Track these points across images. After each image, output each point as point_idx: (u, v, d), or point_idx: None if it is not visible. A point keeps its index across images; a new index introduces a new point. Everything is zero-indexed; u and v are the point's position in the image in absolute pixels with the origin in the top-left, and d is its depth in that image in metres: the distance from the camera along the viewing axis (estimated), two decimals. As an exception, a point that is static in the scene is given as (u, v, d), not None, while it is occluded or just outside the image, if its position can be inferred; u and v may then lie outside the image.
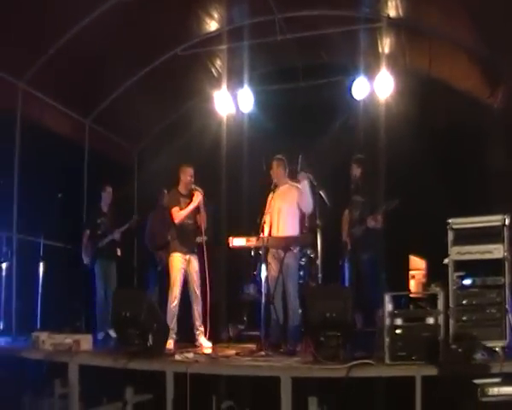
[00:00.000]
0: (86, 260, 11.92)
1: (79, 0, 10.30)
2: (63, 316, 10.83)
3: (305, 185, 10.00)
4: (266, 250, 9.78)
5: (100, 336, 11.27)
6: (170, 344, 9.48)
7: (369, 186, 10.49)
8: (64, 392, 8.42)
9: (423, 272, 9.60)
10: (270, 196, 10.07)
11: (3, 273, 10.91)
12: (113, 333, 10.94)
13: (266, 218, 9.93)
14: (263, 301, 9.66)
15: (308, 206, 10.02)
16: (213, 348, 9.84)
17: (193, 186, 10.34)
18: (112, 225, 12.06)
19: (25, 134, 11.55)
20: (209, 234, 10.95)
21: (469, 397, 6.48)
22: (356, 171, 10.54)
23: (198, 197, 10.29)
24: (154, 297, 10.11)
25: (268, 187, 10.22)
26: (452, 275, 7.65)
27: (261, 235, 9.67)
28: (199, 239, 10.48)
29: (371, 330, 9.61)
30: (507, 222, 7.54)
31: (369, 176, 10.61)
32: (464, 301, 7.54)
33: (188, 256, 10.23)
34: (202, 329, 10.14)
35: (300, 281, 10.47)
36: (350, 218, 10.58)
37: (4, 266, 10.94)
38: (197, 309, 10.16)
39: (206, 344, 10.01)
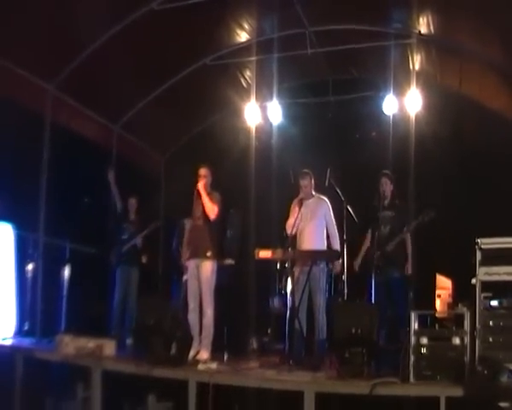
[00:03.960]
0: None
1: (111, 7, 10.33)
2: (88, 319, 10.86)
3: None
4: (293, 263, 9.75)
5: (129, 340, 11.18)
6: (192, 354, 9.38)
7: (399, 202, 10.42)
8: (86, 396, 8.45)
9: (449, 292, 9.57)
10: (296, 207, 10.00)
11: (29, 275, 10.97)
12: (129, 340, 10.95)
13: (293, 230, 9.84)
14: (288, 314, 9.65)
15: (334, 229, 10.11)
16: (237, 360, 9.73)
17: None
18: (137, 231, 12.05)
19: (53, 138, 11.61)
20: (236, 246, 10.94)
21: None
22: (385, 186, 10.42)
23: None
24: (178, 306, 10.00)
25: (294, 198, 10.17)
26: (479, 296, 7.56)
27: (288, 248, 9.58)
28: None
29: (394, 348, 9.61)
30: (536, 243, 7.48)
31: (399, 191, 10.52)
32: (491, 323, 7.44)
33: (198, 262, 9.79)
34: (205, 342, 9.52)
35: (326, 296, 10.40)
36: (378, 235, 10.40)
37: (30, 267, 10.98)
38: (203, 320, 9.66)
39: (203, 357, 9.40)
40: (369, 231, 10.60)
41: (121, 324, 11.48)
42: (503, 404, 6.42)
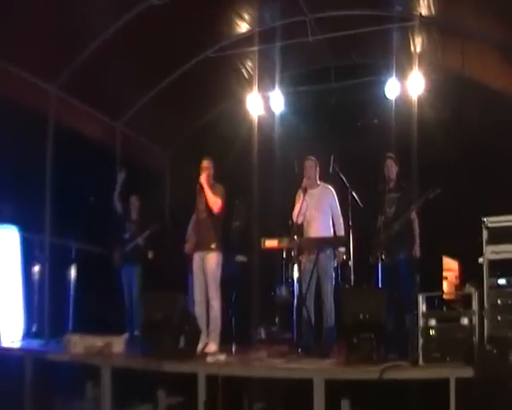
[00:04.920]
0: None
1: (111, 4, 10.36)
2: (95, 319, 10.85)
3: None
4: (299, 252, 9.70)
5: (136, 337, 11.16)
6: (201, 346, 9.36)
7: (404, 183, 10.35)
8: (96, 395, 8.44)
9: (456, 274, 9.52)
10: (300, 196, 9.93)
11: (36, 277, 10.97)
12: (136, 337, 10.92)
13: (299, 219, 9.79)
14: (295, 302, 9.62)
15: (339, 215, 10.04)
16: (245, 351, 9.70)
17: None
18: (139, 230, 12.03)
19: (57, 137, 11.68)
20: (242, 237, 10.92)
21: (505, 399, 6.39)
22: (390, 168, 10.34)
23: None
24: (186, 299, 9.96)
25: (299, 188, 10.10)
26: (487, 275, 7.50)
27: (294, 236, 9.51)
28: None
29: (403, 332, 9.56)
30: (544, 220, 7.42)
31: (404, 173, 10.46)
32: (499, 301, 7.37)
33: (203, 254, 9.83)
34: (213, 334, 9.62)
35: (333, 283, 10.36)
36: (384, 217, 10.30)
37: (37, 269, 10.98)
38: (210, 312, 9.73)
39: (211, 349, 9.46)
40: (378, 217, 10.51)
41: (132, 320, 11.50)
42: (513, 383, 6.37)
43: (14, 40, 10.06)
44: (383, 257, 10.02)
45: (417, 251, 10.03)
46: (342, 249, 10.18)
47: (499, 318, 7.32)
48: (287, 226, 10.03)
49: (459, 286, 8.97)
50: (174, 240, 12.70)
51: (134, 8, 10.79)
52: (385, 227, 10.10)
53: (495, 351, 6.83)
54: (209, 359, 8.56)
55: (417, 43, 12.44)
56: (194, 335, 8.90)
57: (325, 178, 10.32)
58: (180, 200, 12.42)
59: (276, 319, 11.73)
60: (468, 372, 6.69)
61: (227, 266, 10.23)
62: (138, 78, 12.23)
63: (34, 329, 10.94)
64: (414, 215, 10.14)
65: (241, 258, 11.54)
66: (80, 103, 12.41)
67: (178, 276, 11.74)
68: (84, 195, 11.35)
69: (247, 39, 12.83)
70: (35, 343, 10.23)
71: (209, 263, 9.74)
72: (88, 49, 11.25)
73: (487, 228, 7.62)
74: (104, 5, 10.26)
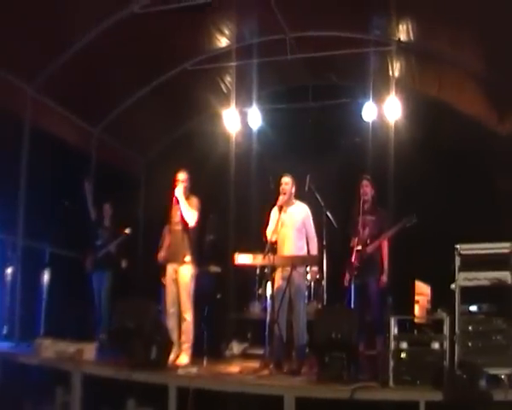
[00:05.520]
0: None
1: (91, 9, 10.31)
2: (67, 323, 10.82)
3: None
4: (272, 269, 9.76)
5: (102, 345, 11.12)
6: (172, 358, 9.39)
7: (380, 208, 10.44)
8: (66, 400, 8.41)
9: (428, 298, 9.59)
10: (276, 214, 9.95)
11: (8, 279, 10.90)
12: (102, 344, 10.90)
13: (273, 236, 9.82)
14: (267, 319, 9.67)
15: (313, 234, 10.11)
16: (216, 365, 9.77)
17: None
18: (112, 237, 12.04)
19: (32, 140, 11.56)
20: (215, 251, 10.97)
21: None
22: (366, 188, 10.40)
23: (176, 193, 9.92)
24: (159, 310, 9.97)
25: (273, 204, 10.13)
26: (459, 301, 7.63)
27: (268, 254, 9.56)
28: None
29: (373, 354, 9.67)
30: (515, 249, 7.55)
31: (379, 197, 10.55)
32: (470, 328, 7.51)
33: (176, 267, 9.85)
34: (185, 346, 9.63)
35: (305, 301, 10.42)
36: (358, 238, 10.41)
37: (9, 271, 10.92)
38: (182, 325, 9.74)
39: (183, 362, 9.50)
40: (352, 239, 10.56)
41: (99, 328, 11.49)
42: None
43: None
44: (354, 279, 10.12)
45: (384, 278, 10.12)
46: (315, 268, 10.25)
47: (470, 344, 7.46)
48: (261, 242, 10.02)
49: (431, 311, 9.05)
50: (147, 248, 12.74)
51: (115, 13, 10.74)
52: (358, 249, 10.20)
53: (465, 376, 6.94)
54: (180, 371, 8.60)
55: (395, 68, 12.57)
56: (166, 346, 8.92)
57: (300, 196, 10.34)
58: (155, 208, 12.38)
59: (249, 335, 11.81)
60: (437, 396, 6.80)
61: (201, 278, 10.25)
62: (117, 84, 12.24)
63: (4, 331, 10.84)
64: (385, 243, 10.25)
65: (214, 268, 11.58)
66: (57, 106, 12.30)
67: (151, 285, 11.76)
68: (59, 199, 11.35)
69: (226, 54, 12.85)
70: (5, 345, 10.17)
71: (182, 276, 9.77)
72: (68, 52, 11.15)
73: (460, 255, 7.75)
74: (86, 9, 10.19)
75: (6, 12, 9.65)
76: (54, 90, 11.73)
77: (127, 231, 12.02)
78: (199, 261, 10.11)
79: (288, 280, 9.45)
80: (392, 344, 7.55)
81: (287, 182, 10.03)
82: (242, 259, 9.64)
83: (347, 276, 10.27)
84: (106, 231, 12.15)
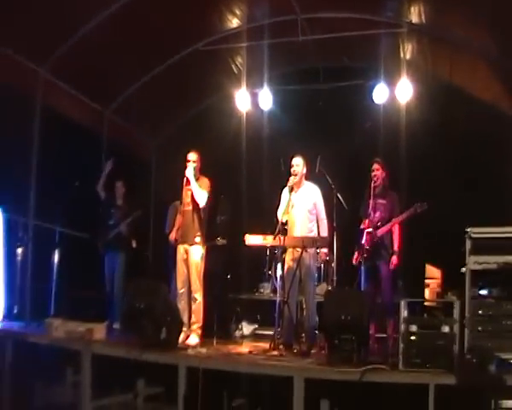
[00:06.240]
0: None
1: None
2: (77, 304, 10.86)
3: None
4: (283, 250, 9.77)
5: (116, 325, 11.19)
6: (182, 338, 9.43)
7: (391, 191, 10.42)
8: (76, 380, 8.48)
9: (438, 281, 9.60)
10: (287, 195, 9.92)
11: (19, 258, 10.92)
12: (116, 325, 10.97)
13: (284, 217, 9.83)
14: (278, 299, 9.69)
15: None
16: (226, 346, 9.81)
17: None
18: (124, 216, 12.00)
19: (44, 121, 11.61)
20: (226, 231, 10.97)
21: (483, 408, 6.51)
22: (377, 172, 10.36)
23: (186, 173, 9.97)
24: (169, 290, 9.97)
25: (284, 185, 10.11)
26: (469, 284, 7.61)
27: (279, 235, 9.57)
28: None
29: (383, 337, 9.68)
30: (526, 233, 7.53)
31: (390, 180, 10.52)
32: (480, 312, 7.50)
33: (187, 247, 9.91)
34: (194, 327, 9.74)
35: (315, 283, 10.43)
36: (368, 220, 10.38)
37: (20, 251, 10.95)
38: (192, 305, 9.84)
39: (193, 342, 9.57)
40: (363, 221, 10.55)
41: (110, 308, 11.52)
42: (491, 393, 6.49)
43: (3, 21, 9.95)
44: (365, 261, 10.12)
45: (395, 259, 10.09)
46: (325, 250, 10.25)
47: (480, 328, 7.45)
48: (272, 223, 10.03)
49: (441, 294, 9.05)
50: (157, 229, 12.75)
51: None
52: (369, 232, 10.19)
53: (475, 360, 6.95)
54: (190, 351, 8.66)
55: (407, 50, 12.52)
56: (177, 326, 8.95)
57: (311, 178, 10.33)
58: (165, 189, 12.41)
59: (258, 316, 11.86)
60: (447, 380, 6.81)
61: (211, 258, 10.30)
62: (128, 66, 12.21)
63: (15, 311, 10.87)
64: (396, 227, 10.22)
65: (221, 241, 11.55)
66: (69, 88, 12.30)
67: (161, 265, 11.78)
68: (70, 179, 11.35)
69: (237, 35, 12.81)
70: (16, 325, 10.22)
71: (193, 256, 9.83)
72: (78, 33, 11.13)
73: (471, 238, 7.72)
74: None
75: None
76: (65, 71, 11.72)
77: (137, 212, 12.01)
78: (210, 238, 10.21)
79: (299, 261, 9.47)
80: (403, 327, 7.52)
81: (298, 163, 10.01)
82: (253, 239, 9.66)
83: (356, 255, 10.29)
84: (118, 210, 12.07)
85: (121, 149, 13.54)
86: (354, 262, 10.29)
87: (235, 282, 12.17)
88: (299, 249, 9.50)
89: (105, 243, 11.86)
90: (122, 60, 11.84)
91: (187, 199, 10.03)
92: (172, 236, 10.50)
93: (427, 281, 9.58)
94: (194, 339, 9.55)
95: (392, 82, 12.36)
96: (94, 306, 11.18)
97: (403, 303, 7.62)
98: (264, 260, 12.22)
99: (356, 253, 10.29)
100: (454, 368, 6.97)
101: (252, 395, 7.89)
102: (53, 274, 10.96)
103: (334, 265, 11.07)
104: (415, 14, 11.55)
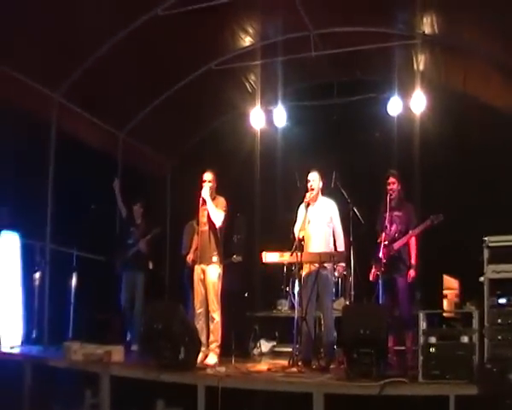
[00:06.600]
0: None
1: (115, 14, 10.37)
2: (95, 326, 10.87)
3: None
4: (300, 266, 9.72)
5: (134, 347, 11.21)
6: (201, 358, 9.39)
7: (406, 203, 10.36)
8: (95, 402, 8.44)
9: (456, 292, 9.51)
10: (303, 210, 9.93)
11: (37, 283, 10.94)
12: (134, 347, 10.98)
13: (301, 233, 9.78)
14: (296, 316, 9.64)
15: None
16: (245, 364, 9.72)
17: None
18: (143, 235, 12.00)
19: (59, 145, 11.67)
20: (242, 248, 10.96)
21: (504, 418, 6.44)
22: (392, 185, 10.30)
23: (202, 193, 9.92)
24: (186, 311, 9.96)
25: (300, 202, 10.08)
26: (488, 294, 7.52)
27: (296, 250, 9.52)
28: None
29: (402, 349, 9.60)
30: (544, 241, 7.45)
31: (405, 192, 10.46)
32: (499, 321, 7.38)
33: (204, 267, 9.86)
34: (213, 346, 9.69)
35: (333, 298, 10.38)
36: (385, 234, 10.32)
37: (38, 275, 10.98)
38: (210, 325, 9.80)
39: (211, 362, 9.53)
40: (380, 234, 10.48)
41: (129, 329, 11.51)
42: (512, 402, 6.40)
43: (19, 46, 10.07)
44: (382, 274, 10.06)
45: (412, 272, 10.03)
46: (342, 264, 10.19)
47: (499, 337, 7.34)
48: (288, 240, 10.00)
49: (459, 305, 8.97)
50: (174, 250, 12.75)
51: (140, 17, 10.78)
52: (385, 245, 10.13)
53: (495, 370, 6.87)
54: (209, 371, 8.62)
55: (420, 62, 12.50)
56: (195, 346, 8.91)
57: (327, 192, 10.30)
58: (181, 208, 12.40)
59: (277, 333, 11.82)
60: (467, 390, 6.74)
61: (228, 277, 10.26)
62: (142, 88, 12.28)
63: (34, 335, 10.89)
64: (413, 240, 10.15)
65: (237, 258, 11.55)
66: (83, 111, 12.39)
67: (177, 285, 11.77)
68: (86, 203, 11.40)
69: (250, 53, 12.84)
70: (34, 349, 10.27)
71: (210, 276, 9.81)
72: (92, 57, 11.22)
73: (488, 247, 7.63)
74: (110, 14, 10.26)
75: (31, 19, 9.72)
76: (80, 94, 11.83)
77: (156, 229, 12.00)
78: (226, 255, 10.25)
79: (316, 277, 9.43)
80: (421, 339, 7.47)
81: (314, 178, 10.01)
82: (270, 257, 9.66)
83: (374, 270, 10.23)
84: (137, 229, 12.09)
85: (136, 170, 13.61)
86: (371, 279, 10.24)
87: (253, 300, 12.16)
88: (317, 265, 9.46)
89: (123, 262, 11.85)
90: (136, 82, 11.92)
91: (203, 219, 10.01)
92: (190, 257, 10.49)
93: (444, 292, 9.49)
94: (212, 359, 9.51)
95: (405, 94, 12.34)
96: (111, 328, 11.19)
97: (421, 315, 7.57)
98: (281, 276, 12.17)
99: (373, 268, 10.24)
100: (475, 378, 6.89)
101: (272, 413, 7.82)
102: (70, 298, 10.99)
103: (351, 279, 11.03)
104: (427, 25, 11.51)
